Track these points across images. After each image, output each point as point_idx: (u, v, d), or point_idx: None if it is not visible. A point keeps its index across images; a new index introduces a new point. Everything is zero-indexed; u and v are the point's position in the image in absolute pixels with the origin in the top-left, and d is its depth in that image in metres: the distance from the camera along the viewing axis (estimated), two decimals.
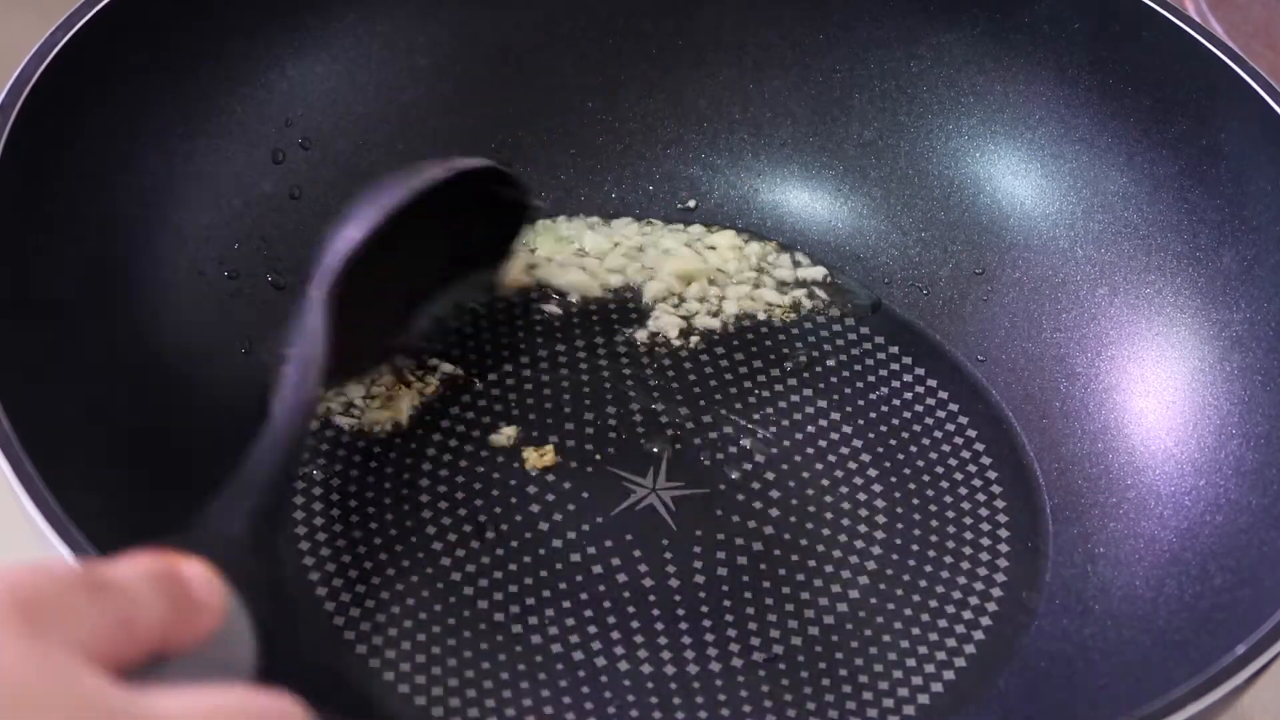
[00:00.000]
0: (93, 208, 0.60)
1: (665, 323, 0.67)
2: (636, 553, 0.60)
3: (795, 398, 0.65)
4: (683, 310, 0.67)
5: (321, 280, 0.54)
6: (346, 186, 0.67)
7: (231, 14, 0.64)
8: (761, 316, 0.68)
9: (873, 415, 0.65)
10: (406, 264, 0.60)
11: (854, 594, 0.60)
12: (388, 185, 0.58)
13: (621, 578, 0.59)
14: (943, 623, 0.59)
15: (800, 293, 0.69)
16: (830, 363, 0.67)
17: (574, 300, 0.67)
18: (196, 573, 0.35)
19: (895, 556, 0.61)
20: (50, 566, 0.33)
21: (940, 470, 0.64)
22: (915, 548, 0.61)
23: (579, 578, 0.59)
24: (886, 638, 0.59)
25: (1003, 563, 0.61)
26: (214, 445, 0.55)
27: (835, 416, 0.65)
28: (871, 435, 0.64)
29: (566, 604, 0.58)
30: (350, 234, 0.56)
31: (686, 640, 0.58)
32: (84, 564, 0.33)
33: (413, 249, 0.60)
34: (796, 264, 0.69)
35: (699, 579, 0.59)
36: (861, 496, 0.63)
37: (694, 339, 0.67)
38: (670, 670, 0.57)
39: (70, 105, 0.58)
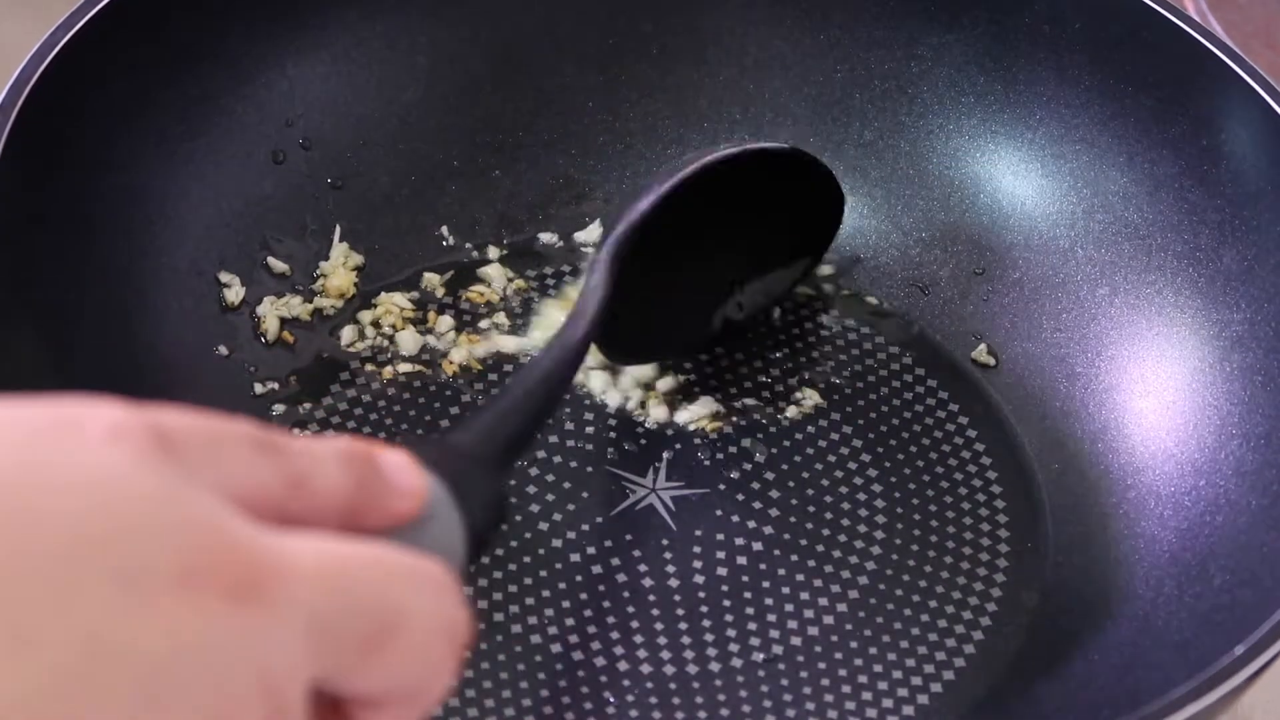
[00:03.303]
0: (93, 208, 0.60)
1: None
2: (636, 553, 0.60)
3: (796, 398, 0.65)
4: None
5: (609, 241, 0.56)
6: (347, 187, 0.67)
7: (232, 14, 0.64)
8: None
9: (873, 415, 0.65)
10: (709, 252, 0.62)
11: (854, 594, 0.60)
12: (685, 160, 0.60)
13: (621, 578, 0.59)
14: (943, 623, 0.59)
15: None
16: (831, 363, 0.67)
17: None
18: (395, 458, 0.34)
19: (895, 557, 0.61)
20: (214, 418, 0.31)
21: (940, 470, 0.64)
22: (915, 548, 0.61)
23: (579, 578, 0.59)
24: (886, 638, 0.59)
25: (1002, 563, 0.61)
26: None
27: (835, 416, 0.65)
28: (871, 435, 0.64)
29: (566, 604, 0.58)
30: (642, 201, 0.58)
31: (686, 640, 0.58)
32: (260, 427, 0.31)
33: (715, 237, 0.62)
34: None
35: (699, 579, 0.59)
36: (861, 497, 0.63)
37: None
38: (670, 670, 0.57)
39: (70, 105, 0.58)
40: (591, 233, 0.69)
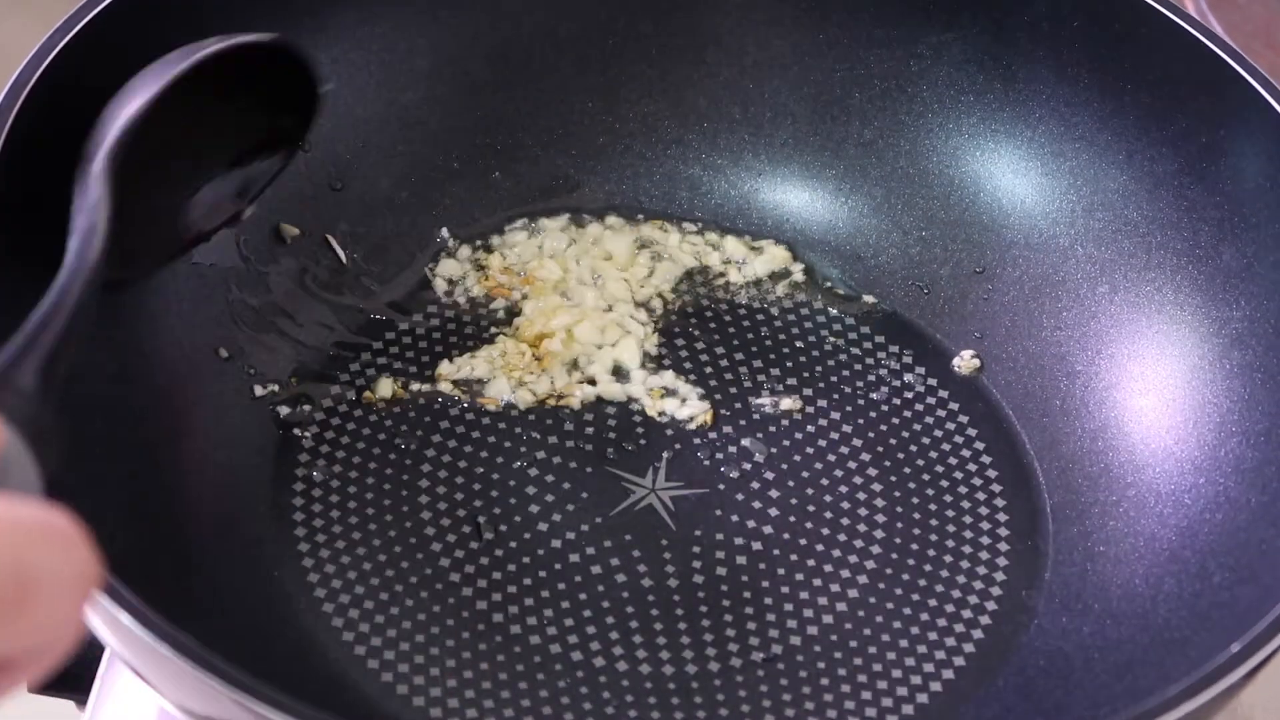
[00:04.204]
0: None
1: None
2: (636, 553, 0.60)
3: (795, 398, 0.65)
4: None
5: (104, 150, 0.52)
6: (347, 188, 0.67)
7: (231, 15, 0.64)
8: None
9: (873, 415, 0.65)
10: (193, 141, 0.58)
11: (854, 594, 0.60)
12: (168, 58, 0.56)
13: (621, 578, 0.59)
14: (943, 622, 0.59)
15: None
16: (830, 363, 0.67)
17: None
18: None
19: (895, 556, 0.61)
20: None
21: (940, 470, 0.64)
22: (915, 548, 0.61)
23: (579, 578, 0.59)
24: (886, 638, 0.58)
25: (1003, 562, 0.61)
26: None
27: (835, 416, 0.65)
28: (871, 435, 0.64)
29: (566, 604, 0.58)
30: (132, 104, 0.54)
31: (686, 640, 0.58)
32: None
33: (199, 125, 0.58)
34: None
35: (698, 579, 0.59)
36: (861, 496, 0.62)
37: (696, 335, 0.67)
38: (669, 670, 0.57)
39: (70, 105, 0.58)
40: (592, 231, 0.69)
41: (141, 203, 0.54)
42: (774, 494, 0.62)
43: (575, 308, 0.66)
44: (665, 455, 0.63)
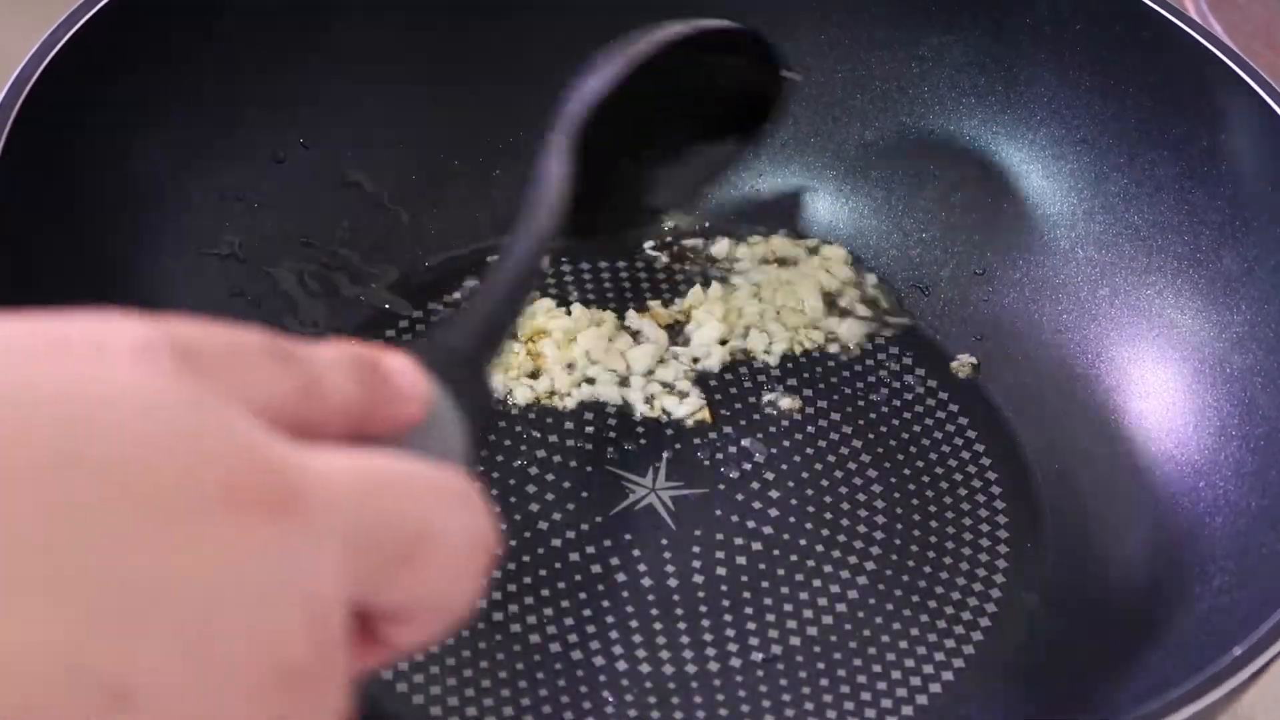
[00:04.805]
0: (92, 207, 0.60)
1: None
2: (636, 552, 0.60)
3: (795, 398, 0.65)
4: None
5: (564, 125, 0.55)
6: (348, 188, 0.67)
7: (232, 14, 0.64)
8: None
9: (872, 415, 0.65)
10: (651, 124, 0.60)
11: (854, 594, 0.60)
12: (631, 39, 0.58)
13: (621, 578, 0.59)
14: (942, 623, 0.59)
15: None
16: (830, 363, 0.67)
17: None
18: (398, 363, 0.34)
19: (895, 556, 0.61)
20: (225, 328, 0.30)
21: (940, 470, 0.64)
22: (915, 548, 0.61)
23: (578, 577, 0.59)
24: (886, 638, 0.59)
25: (1002, 563, 0.61)
26: None
27: (835, 416, 0.65)
28: (871, 435, 0.64)
29: (566, 604, 0.58)
30: (593, 82, 0.56)
31: (685, 640, 0.58)
32: (269, 335, 0.31)
33: (661, 106, 0.60)
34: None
35: (698, 579, 0.59)
36: (861, 496, 0.63)
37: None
38: (669, 670, 0.57)
39: (70, 105, 0.58)
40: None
41: (601, 175, 0.55)
42: (774, 494, 0.62)
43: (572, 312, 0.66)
44: (665, 455, 0.63)
